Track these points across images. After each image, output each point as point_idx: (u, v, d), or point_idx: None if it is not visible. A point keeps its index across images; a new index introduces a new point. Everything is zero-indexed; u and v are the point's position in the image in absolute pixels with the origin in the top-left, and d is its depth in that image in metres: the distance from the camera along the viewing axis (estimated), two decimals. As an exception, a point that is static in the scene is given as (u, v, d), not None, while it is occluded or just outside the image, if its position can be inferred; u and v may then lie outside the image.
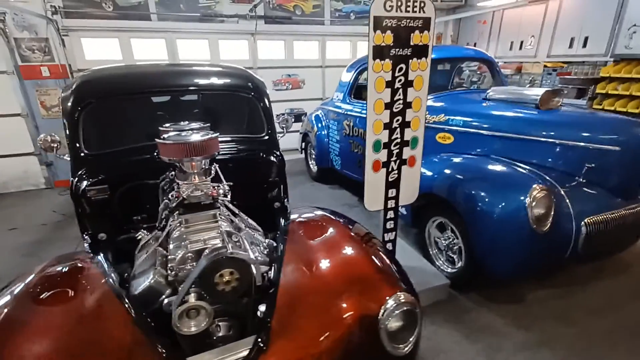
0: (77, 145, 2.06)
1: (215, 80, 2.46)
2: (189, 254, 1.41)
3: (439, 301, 2.49)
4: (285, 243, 1.77)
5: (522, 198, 1.94)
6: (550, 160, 2.37)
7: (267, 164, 2.31)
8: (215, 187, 1.51)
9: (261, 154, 2.33)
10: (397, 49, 2.08)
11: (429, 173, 2.56)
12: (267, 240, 1.84)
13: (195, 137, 1.42)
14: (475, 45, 6.52)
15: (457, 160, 2.55)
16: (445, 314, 2.40)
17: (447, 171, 2.44)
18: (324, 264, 1.61)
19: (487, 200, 2.08)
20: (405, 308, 1.42)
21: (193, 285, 1.30)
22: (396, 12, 2.00)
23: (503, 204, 2.02)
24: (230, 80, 2.50)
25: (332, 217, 2.04)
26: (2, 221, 4.23)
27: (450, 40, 7.06)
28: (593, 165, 2.21)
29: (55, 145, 2.06)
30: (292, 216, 2.13)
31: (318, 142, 4.79)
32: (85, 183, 1.91)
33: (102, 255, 1.73)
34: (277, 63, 6.25)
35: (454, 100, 3.04)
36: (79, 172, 1.99)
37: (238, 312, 1.48)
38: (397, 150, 2.33)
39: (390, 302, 1.39)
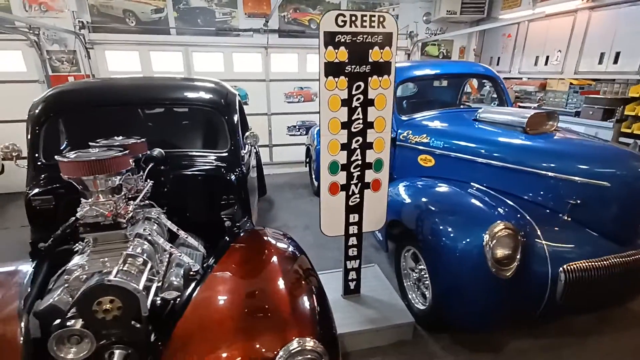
0: (37, 155, 2.13)
1: (179, 95, 2.46)
2: (83, 275, 1.37)
3: (402, 341, 2.25)
4: (211, 269, 1.69)
5: (480, 236, 1.69)
6: (532, 193, 2.07)
7: (219, 180, 2.24)
8: (120, 207, 1.45)
9: (217, 170, 2.27)
10: (353, 66, 1.95)
11: (400, 198, 2.35)
12: (195, 264, 1.75)
13: (97, 154, 1.38)
14: (499, 59, 6.12)
15: (426, 186, 2.32)
16: (406, 356, 2.16)
17: (414, 198, 2.23)
18: (239, 296, 1.53)
19: (444, 235, 1.85)
20: (305, 356, 1.27)
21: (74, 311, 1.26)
22: (350, 27, 1.88)
23: (460, 241, 1.77)
24: (195, 94, 2.49)
25: (278, 244, 1.94)
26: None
27: (473, 55, 6.70)
28: (579, 201, 1.89)
29: (16, 154, 2.14)
30: (238, 238, 2.05)
31: (317, 157, 4.68)
32: (33, 192, 1.96)
33: (34, 265, 1.74)
34: (289, 76, 6.27)
35: (439, 120, 2.81)
36: (33, 182, 2.05)
37: (135, 340, 1.40)
38: (358, 173, 2.17)
39: (284, 350, 1.25)
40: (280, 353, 1.25)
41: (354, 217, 2.26)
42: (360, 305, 2.39)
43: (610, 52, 4.23)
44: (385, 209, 2.29)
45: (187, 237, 1.95)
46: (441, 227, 1.89)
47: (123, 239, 1.51)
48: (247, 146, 2.60)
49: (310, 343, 1.30)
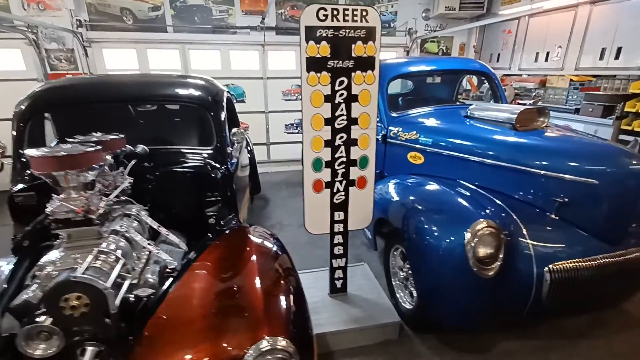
0: (21, 151, 2.13)
1: (166, 92, 2.45)
2: (54, 272, 1.36)
3: (388, 341, 2.22)
4: (189, 267, 1.68)
5: (462, 234, 1.65)
6: (520, 191, 2.02)
7: (203, 177, 2.22)
8: (93, 203, 1.44)
9: (201, 167, 2.25)
10: (335, 61, 1.92)
11: (387, 196, 2.31)
12: (172, 261, 1.73)
13: (68, 150, 1.37)
14: (499, 56, 6.03)
15: (412, 184, 2.27)
16: (391, 356, 2.13)
17: (399, 196, 2.19)
18: (212, 294, 1.51)
19: (426, 233, 1.81)
20: (275, 355, 1.25)
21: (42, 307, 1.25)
22: (332, 21, 1.84)
23: (442, 239, 1.73)
24: (183, 91, 2.47)
25: (260, 243, 1.92)
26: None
27: (473, 51, 6.61)
28: (566, 199, 1.84)
29: (1, 150, 2.14)
30: (221, 236, 2.04)
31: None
32: (15, 188, 1.96)
33: (15, 261, 1.74)
34: (287, 73, 6.24)
35: (430, 117, 2.76)
36: (17, 178, 2.05)
37: (107, 337, 1.39)
38: (343, 170, 2.14)
39: (254, 348, 1.23)
40: (250, 352, 1.23)
41: (339, 215, 2.23)
42: (347, 304, 2.36)
43: (611, 47, 4.14)
44: (371, 206, 2.25)
45: (168, 234, 1.93)
46: (424, 226, 1.85)
47: (97, 235, 1.50)
48: (235, 143, 2.58)
49: (281, 342, 1.27)
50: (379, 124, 3.03)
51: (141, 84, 2.54)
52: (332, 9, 1.83)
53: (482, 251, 1.64)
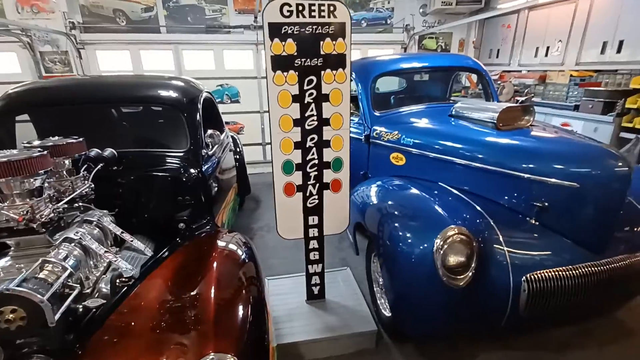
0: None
1: (140, 93, 2.40)
2: (-5, 282, 1.31)
3: (364, 350, 2.13)
4: (148, 275, 1.62)
5: (431, 242, 1.55)
6: (499, 194, 1.90)
7: (173, 180, 2.16)
8: (38, 210, 1.38)
9: (171, 170, 2.19)
10: (303, 59, 1.83)
11: (364, 199, 2.22)
12: (132, 269, 1.67)
13: (8, 156, 1.32)
14: (498, 52, 5.86)
15: (388, 187, 2.17)
16: (367, 366, 2.04)
17: (374, 200, 2.10)
18: (165, 305, 1.44)
19: (395, 239, 1.71)
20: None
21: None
22: (297, 17, 1.76)
23: (410, 246, 1.63)
24: (157, 92, 2.42)
25: (227, 249, 1.86)
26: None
27: (472, 47, 6.44)
28: (546, 204, 1.72)
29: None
30: (187, 242, 1.98)
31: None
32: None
33: None
34: (282, 73, 6.17)
35: (414, 116, 2.65)
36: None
37: (53, 349, 1.34)
38: (315, 173, 2.05)
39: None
40: None
41: (313, 220, 2.15)
42: (323, 311, 2.28)
43: (613, 40, 3.97)
44: (347, 210, 2.16)
45: (132, 241, 1.88)
46: (394, 232, 1.76)
47: (46, 243, 1.45)
48: (210, 145, 2.51)
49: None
50: (362, 124, 2.96)
51: (116, 85, 2.50)
52: (297, 4, 1.75)
53: (453, 259, 1.53)
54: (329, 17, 1.80)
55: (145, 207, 2.15)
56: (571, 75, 4.33)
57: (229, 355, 1.21)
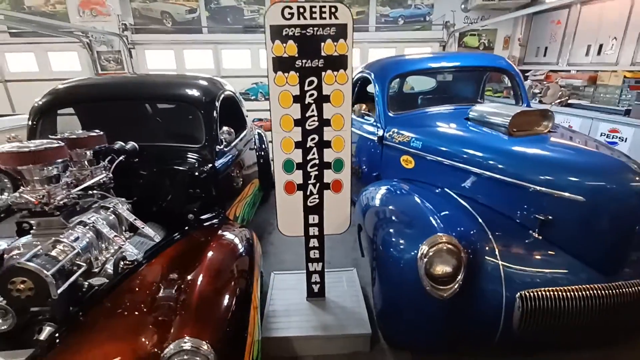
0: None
1: (163, 91, 2.58)
2: (17, 256, 1.50)
3: (357, 353, 2.12)
4: (148, 261, 1.75)
5: (416, 248, 1.50)
6: (505, 204, 1.78)
7: (185, 173, 2.30)
8: (54, 195, 1.56)
9: (185, 164, 2.34)
10: (304, 60, 1.86)
11: (366, 201, 2.21)
12: (138, 254, 1.83)
13: (31, 147, 1.50)
14: (546, 50, 5.42)
15: (389, 190, 2.11)
16: (356, 369, 2.04)
17: (374, 203, 2.07)
18: (157, 289, 1.56)
19: (383, 244, 1.67)
20: (193, 357, 1.26)
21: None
22: (298, 19, 1.79)
23: (397, 252, 1.59)
24: (179, 90, 2.58)
25: (227, 242, 1.98)
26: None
27: (517, 45, 6.01)
28: (552, 217, 1.58)
29: (17, 142, 2.42)
30: (191, 232, 2.11)
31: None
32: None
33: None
34: (315, 71, 6.23)
35: (429, 118, 2.55)
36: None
37: (61, 318, 1.52)
38: (316, 173, 2.08)
39: (175, 345, 1.25)
40: (170, 347, 1.25)
41: (313, 219, 2.18)
42: (321, 309, 2.30)
43: (677, 37, 3.51)
44: (348, 211, 2.16)
45: (143, 227, 2.04)
46: (385, 236, 1.72)
47: (61, 225, 1.63)
48: (224, 142, 2.63)
49: (203, 346, 1.28)
50: (377, 124, 2.91)
51: (145, 84, 2.71)
52: (298, 7, 1.78)
53: (439, 269, 1.48)
54: (330, 18, 1.81)
55: (160, 197, 2.32)
56: (625, 77, 3.90)
57: (204, 342, 1.28)
